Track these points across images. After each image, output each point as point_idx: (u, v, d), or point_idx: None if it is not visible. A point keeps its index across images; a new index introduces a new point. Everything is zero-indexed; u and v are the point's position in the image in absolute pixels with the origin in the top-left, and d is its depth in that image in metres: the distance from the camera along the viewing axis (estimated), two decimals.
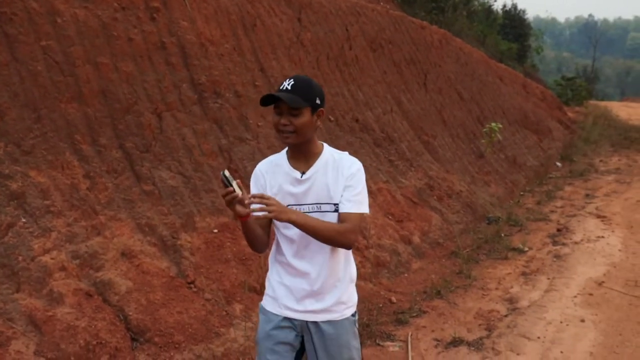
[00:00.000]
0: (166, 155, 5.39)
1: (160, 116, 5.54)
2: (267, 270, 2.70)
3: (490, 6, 29.47)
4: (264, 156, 2.90)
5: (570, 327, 4.98)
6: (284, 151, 2.57)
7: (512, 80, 17.19)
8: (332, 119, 7.80)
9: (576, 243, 7.62)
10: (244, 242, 4.67)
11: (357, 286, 2.73)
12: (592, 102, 34.29)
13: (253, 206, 2.28)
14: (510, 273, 6.56)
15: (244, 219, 2.35)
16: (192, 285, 4.66)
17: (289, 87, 2.36)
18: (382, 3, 12.73)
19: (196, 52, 6.20)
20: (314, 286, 2.50)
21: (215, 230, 5.29)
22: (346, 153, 2.58)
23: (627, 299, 5.61)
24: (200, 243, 5.10)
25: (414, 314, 5.38)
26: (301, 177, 2.47)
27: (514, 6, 32.63)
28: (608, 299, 5.62)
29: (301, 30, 8.17)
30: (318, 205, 2.47)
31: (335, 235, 2.39)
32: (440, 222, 7.92)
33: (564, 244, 7.59)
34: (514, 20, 31.70)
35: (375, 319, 5.15)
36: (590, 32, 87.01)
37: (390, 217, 7.21)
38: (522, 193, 11.12)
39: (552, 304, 5.52)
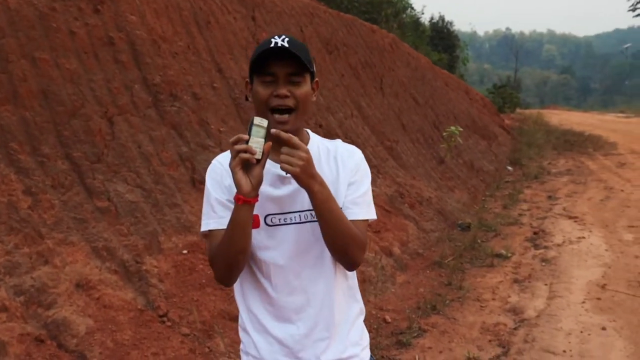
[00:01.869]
0: (121, 165, 4.58)
1: (112, 121, 4.73)
2: None
3: (418, 19, 29.79)
4: None
5: (593, 336, 4.49)
6: None
7: (457, 87, 17.10)
8: None
9: (559, 245, 7.25)
10: None
11: None
12: (519, 110, 35.36)
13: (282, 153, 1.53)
14: (501, 281, 6.06)
15: (244, 200, 1.54)
16: (164, 319, 3.87)
17: (286, 44, 1.60)
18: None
19: (148, 49, 5.44)
20: (315, 330, 1.74)
21: (185, 251, 4.51)
22: (339, 140, 1.86)
23: (638, 301, 5.21)
24: (169, 267, 4.31)
25: (415, 334, 4.77)
26: (287, 173, 1.58)
27: (442, 18, 33.24)
28: (619, 303, 5.19)
29: (256, 30, 7.50)
30: (313, 213, 1.67)
31: (353, 239, 1.65)
32: (416, 231, 7.38)
33: (546, 247, 7.20)
34: (442, 32, 32.25)
35: (375, 343, 4.50)
36: (509, 44, 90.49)
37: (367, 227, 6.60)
38: (484, 198, 10.79)
39: (562, 312, 5.03)
